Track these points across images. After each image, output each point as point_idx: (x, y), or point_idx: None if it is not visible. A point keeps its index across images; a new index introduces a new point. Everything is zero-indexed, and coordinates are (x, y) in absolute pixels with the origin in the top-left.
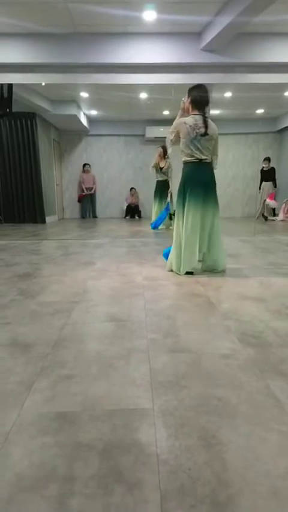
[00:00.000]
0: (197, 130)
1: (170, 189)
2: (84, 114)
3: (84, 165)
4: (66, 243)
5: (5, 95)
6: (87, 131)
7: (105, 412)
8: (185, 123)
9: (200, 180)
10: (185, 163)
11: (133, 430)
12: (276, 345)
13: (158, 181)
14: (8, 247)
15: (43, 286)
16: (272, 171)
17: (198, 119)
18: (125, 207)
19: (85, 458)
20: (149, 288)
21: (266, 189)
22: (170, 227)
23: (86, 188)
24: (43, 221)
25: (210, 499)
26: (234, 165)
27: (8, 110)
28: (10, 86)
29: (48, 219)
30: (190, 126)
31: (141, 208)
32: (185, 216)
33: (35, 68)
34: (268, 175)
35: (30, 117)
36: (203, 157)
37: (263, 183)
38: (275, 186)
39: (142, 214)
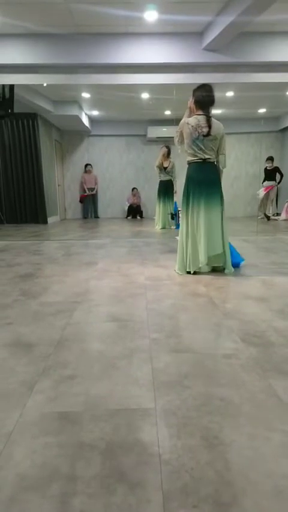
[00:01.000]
0: (199, 131)
1: (175, 190)
2: (85, 114)
3: (86, 165)
4: (68, 244)
5: (7, 95)
6: (89, 131)
7: (108, 412)
8: (187, 123)
9: (203, 180)
10: (189, 163)
11: (135, 430)
12: (279, 345)
13: (161, 182)
14: (10, 248)
15: (45, 286)
16: (276, 170)
17: (201, 119)
18: (127, 207)
19: (87, 458)
20: (151, 288)
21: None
22: (172, 227)
23: (88, 188)
24: (45, 221)
25: (213, 499)
26: (237, 165)
27: (9, 110)
28: (12, 86)
29: (50, 219)
30: (192, 126)
31: (143, 209)
32: (189, 216)
33: (36, 68)
34: (271, 174)
35: (31, 117)
36: (206, 156)
37: (266, 182)
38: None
39: (144, 214)
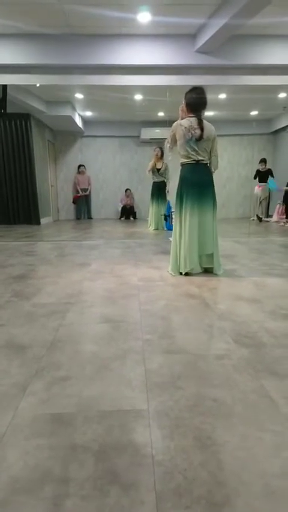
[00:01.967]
0: (193, 132)
1: (167, 189)
2: (79, 115)
3: (79, 166)
4: (61, 245)
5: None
6: (82, 132)
7: (101, 414)
8: (180, 125)
9: (196, 182)
10: (182, 164)
11: (128, 431)
12: (271, 345)
13: (154, 183)
14: (3, 249)
15: (38, 287)
16: (269, 172)
17: (193, 121)
18: (120, 208)
19: (80, 459)
20: (144, 289)
21: (261, 190)
22: (164, 228)
23: (81, 189)
24: (38, 222)
25: (206, 500)
26: (229, 167)
27: (2, 111)
28: (4, 86)
29: (42, 220)
30: (185, 127)
31: (136, 210)
32: (182, 218)
33: (29, 69)
34: (264, 176)
35: (24, 118)
36: (200, 158)
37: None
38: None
39: (137, 215)
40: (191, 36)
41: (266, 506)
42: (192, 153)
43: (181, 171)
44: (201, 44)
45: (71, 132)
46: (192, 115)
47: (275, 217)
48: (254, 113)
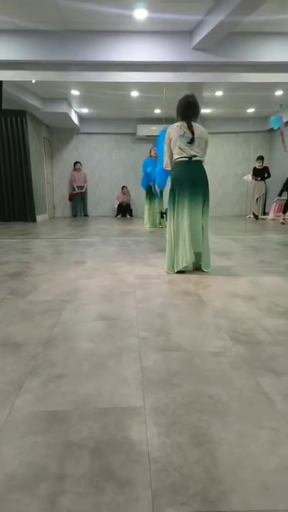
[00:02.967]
0: (184, 130)
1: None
2: (75, 112)
3: (75, 163)
4: (57, 242)
5: None
6: (78, 129)
7: (97, 411)
8: (173, 127)
9: (189, 179)
10: (175, 162)
11: (124, 429)
12: (267, 343)
13: None
14: None
15: (34, 285)
16: (265, 170)
17: (184, 124)
18: (116, 206)
19: (76, 457)
20: (140, 287)
21: (257, 188)
22: (160, 226)
23: (77, 186)
24: (33, 219)
25: (201, 496)
26: (225, 164)
27: None
28: (0, 83)
29: (38, 217)
30: (177, 126)
31: (132, 207)
32: (175, 216)
33: (25, 65)
34: (261, 174)
35: (20, 114)
36: (193, 153)
37: (255, 181)
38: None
39: (133, 212)
40: (188, 33)
41: (262, 502)
42: (186, 147)
43: (174, 168)
44: (198, 41)
45: (67, 129)
46: (184, 120)
47: (271, 215)
48: (250, 110)
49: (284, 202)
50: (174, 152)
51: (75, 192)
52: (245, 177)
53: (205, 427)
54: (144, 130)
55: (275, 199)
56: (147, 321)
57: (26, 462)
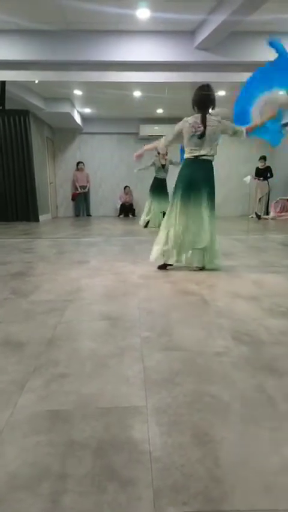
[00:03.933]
0: (196, 127)
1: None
2: (77, 112)
3: (78, 163)
4: (59, 242)
5: None
6: (80, 129)
7: (99, 411)
8: (186, 121)
9: (192, 176)
10: (184, 160)
11: (126, 428)
12: (269, 343)
13: (157, 179)
14: (1, 246)
15: (36, 284)
16: (268, 170)
17: (198, 117)
18: (119, 206)
19: (78, 456)
20: (142, 287)
21: (260, 188)
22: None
23: (80, 186)
24: (36, 219)
25: (203, 496)
26: (228, 164)
27: (0, 107)
28: (3, 83)
29: (41, 217)
30: (190, 123)
31: (135, 207)
32: (174, 210)
33: (28, 65)
34: (263, 174)
35: (23, 114)
36: (202, 153)
37: (258, 181)
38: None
39: (136, 212)
40: (190, 33)
41: (264, 502)
42: (195, 148)
43: (182, 165)
44: (200, 40)
45: (70, 129)
46: (198, 112)
47: (272, 214)
48: None
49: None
50: (185, 149)
51: (77, 192)
52: (245, 179)
53: (207, 427)
54: (146, 130)
55: (277, 198)
56: (149, 320)
57: (29, 461)
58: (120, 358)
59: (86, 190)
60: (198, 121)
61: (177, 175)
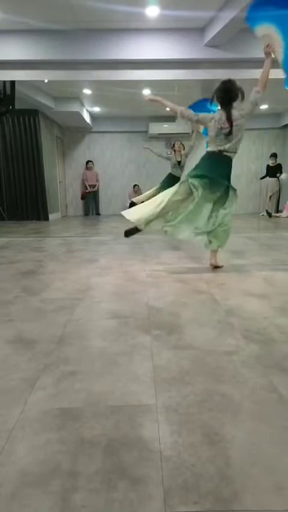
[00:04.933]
0: (222, 125)
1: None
2: (87, 111)
3: (87, 162)
4: (69, 240)
5: (8, 92)
6: (90, 128)
7: (109, 409)
8: (213, 118)
9: (212, 167)
10: (207, 152)
11: (136, 427)
12: (280, 342)
13: (172, 175)
14: (12, 245)
15: (47, 283)
16: (278, 167)
17: (223, 114)
18: (128, 204)
19: (89, 454)
20: (152, 285)
21: (271, 185)
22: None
23: (89, 185)
24: (46, 218)
25: (214, 495)
26: (239, 162)
27: (10, 107)
28: (13, 83)
29: (51, 216)
30: (215, 121)
31: None
32: (180, 186)
33: (37, 64)
34: (274, 171)
35: (33, 114)
36: (225, 148)
37: (268, 178)
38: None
39: None
40: (200, 30)
41: (275, 501)
42: (220, 143)
43: (204, 155)
44: (210, 37)
45: (79, 128)
46: (222, 108)
47: (285, 213)
48: (263, 106)
49: None
50: (210, 142)
51: (87, 190)
52: (282, 176)
53: (217, 426)
54: (156, 128)
55: None
56: (159, 319)
57: (39, 459)
58: (130, 357)
59: (96, 189)
60: (224, 118)
61: (195, 164)
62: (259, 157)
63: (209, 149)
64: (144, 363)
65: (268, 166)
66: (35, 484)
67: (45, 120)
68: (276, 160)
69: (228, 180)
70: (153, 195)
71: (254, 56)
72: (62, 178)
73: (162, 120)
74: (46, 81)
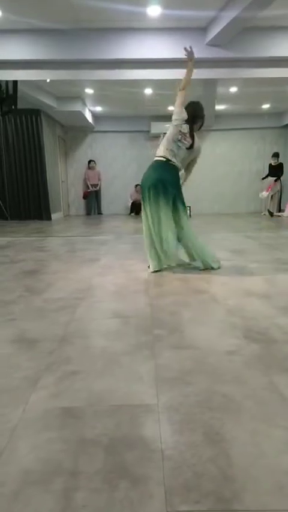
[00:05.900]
0: (184, 137)
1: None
2: (89, 110)
3: (90, 161)
4: (71, 240)
5: (10, 91)
6: (92, 127)
7: (110, 408)
8: (181, 125)
9: (157, 178)
10: (154, 161)
11: (138, 426)
12: (282, 341)
13: None
14: (14, 244)
15: (49, 282)
16: (280, 166)
17: (187, 129)
18: (130, 204)
19: (90, 453)
20: (153, 285)
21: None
22: None
23: (91, 185)
24: (48, 218)
25: (215, 495)
26: (240, 161)
27: (13, 106)
28: (15, 82)
29: (53, 215)
30: (180, 130)
31: None
32: (147, 213)
33: (39, 64)
34: (276, 170)
35: (35, 113)
36: (173, 160)
37: (269, 178)
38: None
39: None
40: (202, 29)
41: (275, 502)
42: (171, 152)
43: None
44: (212, 37)
45: (81, 128)
46: (188, 124)
47: (287, 212)
48: (265, 106)
49: None
50: (161, 148)
51: (89, 190)
52: (261, 195)
53: (219, 426)
54: (158, 127)
55: None
56: (160, 318)
57: (41, 458)
58: (131, 356)
59: (98, 188)
60: (186, 132)
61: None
62: (260, 157)
63: (156, 154)
64: (145, 362)
65: (270, 165)
66: (37, 483)
67: (48, 120)
68: (278, 160)
69: (174, 184)
70: None
71: (255, 55)
72: (64, 178)
73: (164, 120)
74: (48, 80)
